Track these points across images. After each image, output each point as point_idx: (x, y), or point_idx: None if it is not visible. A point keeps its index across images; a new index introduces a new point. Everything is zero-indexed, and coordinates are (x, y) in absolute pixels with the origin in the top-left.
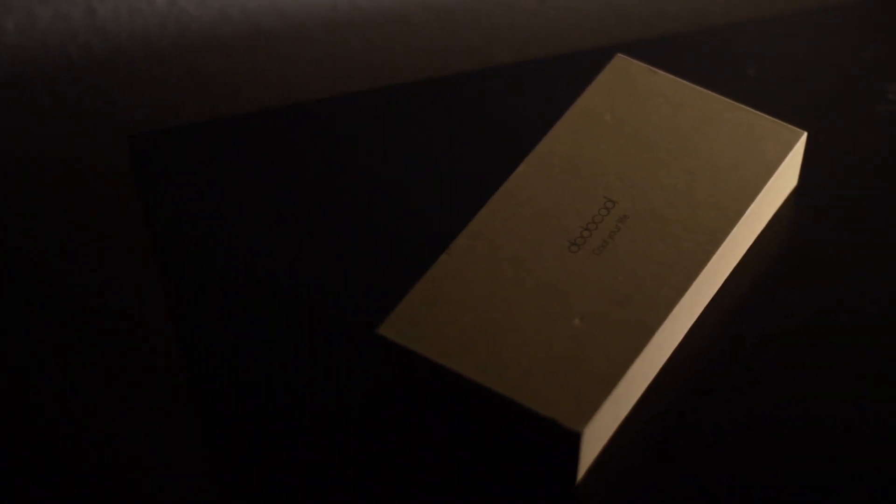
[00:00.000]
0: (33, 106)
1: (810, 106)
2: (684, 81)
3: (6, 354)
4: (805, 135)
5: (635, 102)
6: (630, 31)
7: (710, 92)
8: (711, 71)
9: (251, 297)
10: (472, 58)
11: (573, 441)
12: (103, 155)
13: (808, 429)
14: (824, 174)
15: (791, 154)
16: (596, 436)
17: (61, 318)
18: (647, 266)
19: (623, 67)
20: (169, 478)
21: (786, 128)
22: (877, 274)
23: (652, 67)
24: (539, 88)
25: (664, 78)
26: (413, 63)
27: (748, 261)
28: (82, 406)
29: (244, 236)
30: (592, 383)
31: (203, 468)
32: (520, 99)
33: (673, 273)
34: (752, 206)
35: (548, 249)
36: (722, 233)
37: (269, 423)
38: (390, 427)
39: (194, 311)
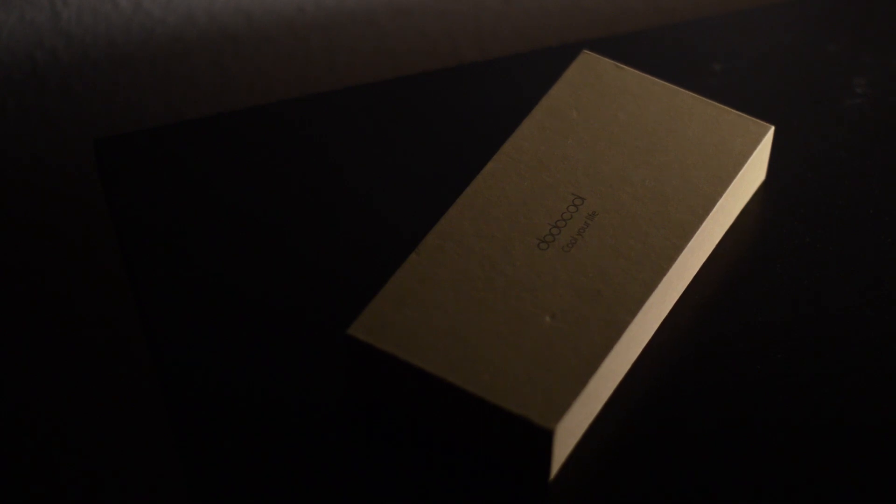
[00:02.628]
0: None
1: (777, 100)
2: (651, 77)
3: None
4: (772, 129)
5: (602, 99)
6: (596, 28)
7: (676, 87)
8: (678, 66)
9: (220, 301)
10: (438, 57)
11: (546, 439)
12: (70, 159)
13: (781, 424)
14: (792, 168)
15: (759, 148)
16: (568, 433)
17: (27, 322)
18: (617, 262)
19: (589, 64)
20: (142, 485)
21: (753, 122)
22: (845, 267)
23: (618, 63)
24: (505, 86)
25: (631, 74)
26: (379, 63)
27: (718, 256)
28: (50, 413)
29: (212, 239)
30: (564, 381)
31: (176, 473)
32: (486, 97)
33: (642, 269)
34: (721, 200)
35: (517, 248)
36: (691, 228)
37: (242, 427)
38: (363, 429)
39: (164, 315)
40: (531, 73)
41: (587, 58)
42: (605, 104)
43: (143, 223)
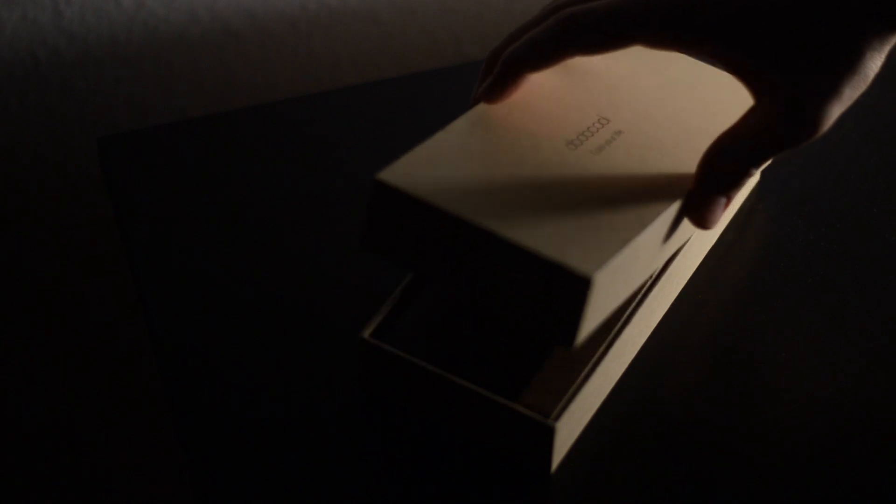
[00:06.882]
0: (1, 108)
1: None
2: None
3: None
4: None
5: (623, 59)
6: None
7: (695, 59)
8: None
9: (224, 298)
10: (442, 55)
11: (582, 289)
12: (72, 157)
13: (785, 411)
14: (795, 164)
15: None
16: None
17: (29, 320)
18: (644, 169)
19: None
20: (147, 486)
21: None
22: (848, 264)
23: None
24: None
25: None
26: (382, 61)
27: (719, 251)
28: (51, 412)
29: (215, 237)
30: (605, 233)
31: (183, 476)
32: None
33: (669, 178)
34: None
35: (545, 146)
36: None
37: (249, 428)
38: (366, 423)
39: (167, 313)
40: None
41: None
42: (628, 64)
43: (147, 221)
